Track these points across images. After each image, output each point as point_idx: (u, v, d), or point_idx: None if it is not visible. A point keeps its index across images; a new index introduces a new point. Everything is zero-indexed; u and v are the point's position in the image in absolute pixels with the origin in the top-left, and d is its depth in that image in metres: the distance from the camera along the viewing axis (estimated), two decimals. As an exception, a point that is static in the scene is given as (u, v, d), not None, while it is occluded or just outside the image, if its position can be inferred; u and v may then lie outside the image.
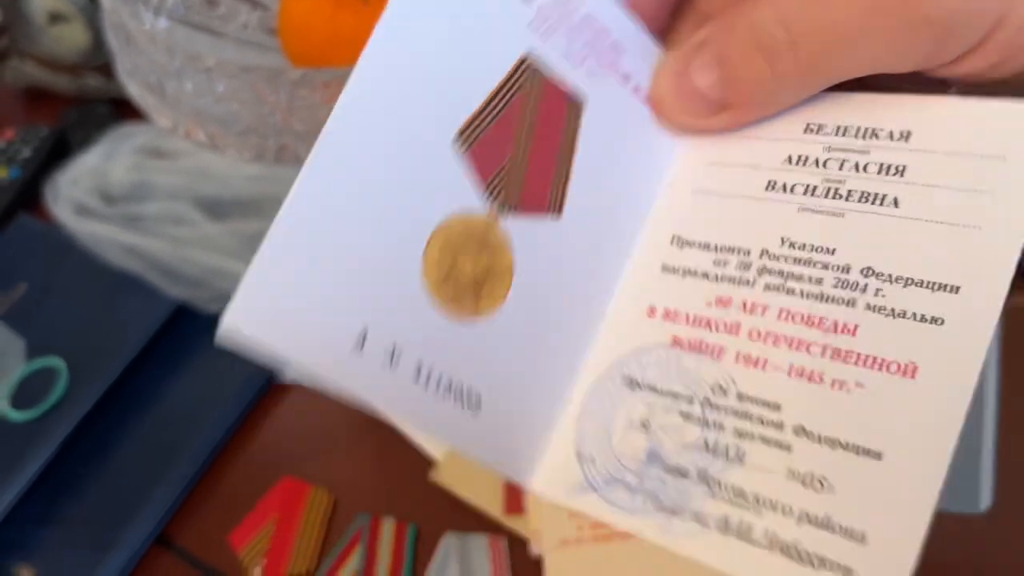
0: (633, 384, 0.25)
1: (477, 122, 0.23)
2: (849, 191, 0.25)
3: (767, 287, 0.25)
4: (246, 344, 0.17)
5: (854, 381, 0.23)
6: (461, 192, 0.23)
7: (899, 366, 0.23)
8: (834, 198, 0.25)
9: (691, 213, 0.27)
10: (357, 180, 0.21)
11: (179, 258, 0.55)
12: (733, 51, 0.25)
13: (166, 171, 0.60)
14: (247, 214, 0.58)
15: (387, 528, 0.47)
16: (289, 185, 0.63)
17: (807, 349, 0.24)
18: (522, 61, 0.24)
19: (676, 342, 0.25)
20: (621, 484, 0.25)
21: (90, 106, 0.73)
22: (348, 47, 0.46)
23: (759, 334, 0.24)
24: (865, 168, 0.25)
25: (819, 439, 0.23)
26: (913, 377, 0.22)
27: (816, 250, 0.25)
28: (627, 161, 0.27)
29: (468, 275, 0.23)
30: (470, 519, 0.46)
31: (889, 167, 0.25)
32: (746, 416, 0.24)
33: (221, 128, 0.40)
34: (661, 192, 0.27)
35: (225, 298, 0.58)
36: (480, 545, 0.45)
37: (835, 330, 0.24)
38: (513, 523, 0.46)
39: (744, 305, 0.25)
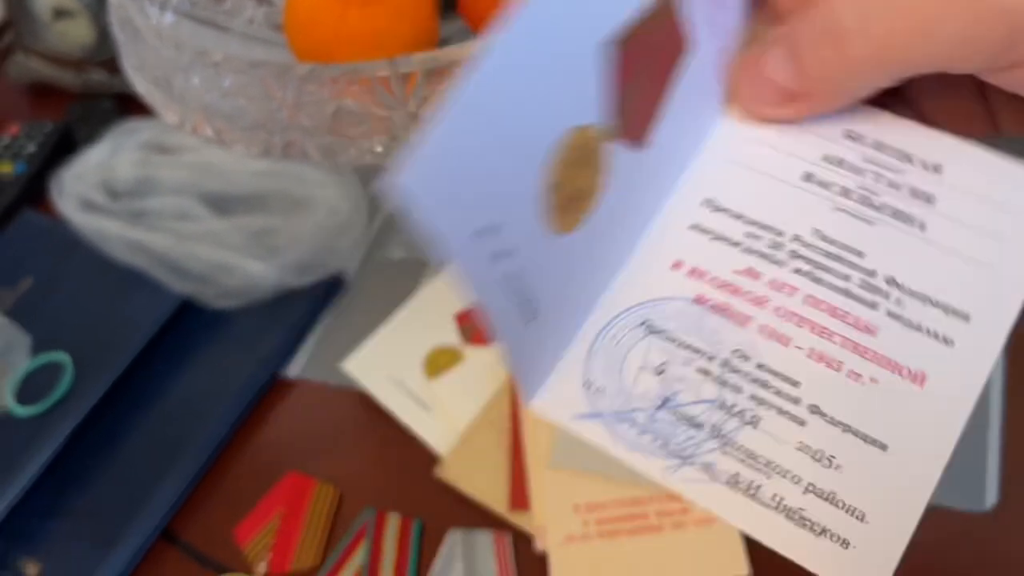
0: (651, 329, 0.26)
1: (622, 38, 0.24)
2: (882, 203, 0.27)
3: (796, 271, 0.26)
4: (398, 196, 0.19)
5: (869, 376, 0.24)
6: (587, 106, 0.23)
7: (910, 372, 0.24)
8: (867, 206, 0.27)
9: (725, 181, 0.28)
10: (515, 81, 0.21)
11: (184, 253, 0.55)
12: (805, 40, 0.26)
13: (171, 166, 0.60)
14: (252, 210, 0.58)
15: (392, 524, 0.47)
16: (294, 182, 0.62)
17: (829, 337, 0.25)
18: None
19: (700, 300, 0.26)
20: (628, 421, 0.25)
21: (94, 102, 0.73)
22: (355, 43, 0.46)
23: (785, 313, 0.25)
24: (898, 187, 0.27)
25: (832, 421, 0.24)
26: (922, 385, 0.24)
27: (846, 249, 0.26)
28: (691, 117, 0.28)
29: (569, 189, 0.23)
30: (475, 515, 0.47)
31: (919, 192, 0.27)
32: (764, 385, 0.25)
33: (228, 123, 0.40)
34: (696, 154, 0.28)
35: (230, 294, 0.58)
36: (485, 541, 0.45)
37: (857, 326, 0.25)
38: (518, 519, 0.46)
39: (773, 282, 0.26)
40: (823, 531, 0.23)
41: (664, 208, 0.28)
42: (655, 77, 0.26)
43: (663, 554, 0.43)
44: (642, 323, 0.26)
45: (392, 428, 0.51)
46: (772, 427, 0.24)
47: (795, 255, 0.26)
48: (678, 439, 0.25)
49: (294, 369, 0.55)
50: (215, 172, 0.59)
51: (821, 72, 0.26)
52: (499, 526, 0.46)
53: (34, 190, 0.67)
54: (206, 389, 0.54)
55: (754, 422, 0.24)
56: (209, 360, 0.55)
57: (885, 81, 0.26)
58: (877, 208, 0.27)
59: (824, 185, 0.27)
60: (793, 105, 0.27)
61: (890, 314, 0.25)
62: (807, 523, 0.23)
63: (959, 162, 0.27)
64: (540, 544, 0.45)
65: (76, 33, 0.74)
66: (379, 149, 0.37)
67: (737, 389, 0.25)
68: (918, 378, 0.24)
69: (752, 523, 0.24)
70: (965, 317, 0.25)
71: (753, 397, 0.25)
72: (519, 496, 0.46)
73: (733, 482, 0.24)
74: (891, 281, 0.25)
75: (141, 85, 0.43)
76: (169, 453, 0.51)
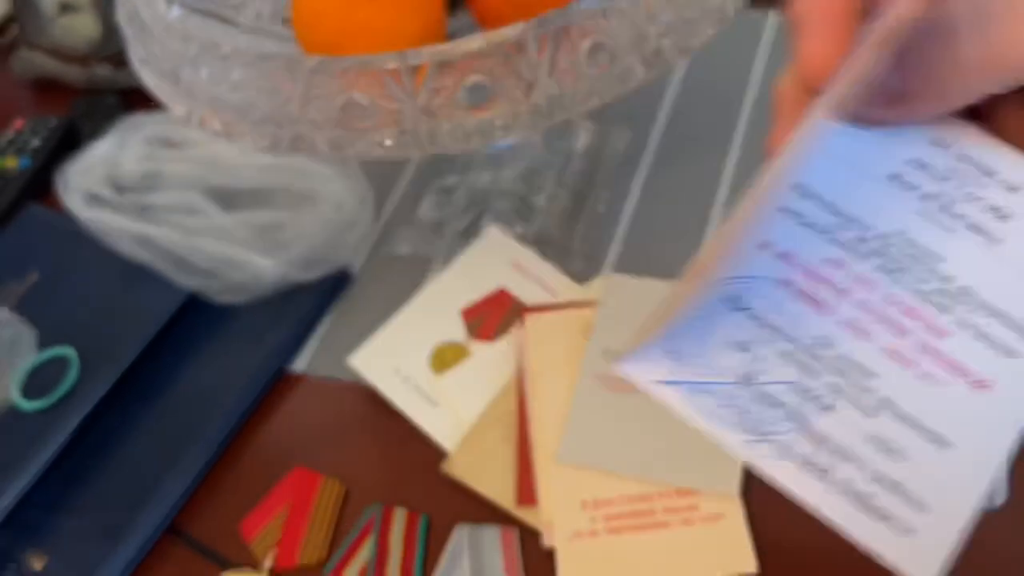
0: (737, 306, 0.27)
1: None
2: (961, 213, 0.27)
3: (878, 268, 0.27)
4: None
5: (939, 377, 0.26)
6: None
7: (977, 378, 0.26)
8: (947, 214, 0.27)
9: (816, 170, 0.29)
10: None
11: (190, 248, 0.55)
12: (917, 39, 0.25)
13: (177, 161, 0.60)
14: (258, 204, 0.58)
15: (399, 519, 0.47)
16: (300, 177, 0.62)
17: (904, 336, 0.26)
18: None
19: (786, 283, 0.27)
20: (708, 392, 0.27)
21: (99, 97, 0.73)
22: (361, 36, 0.45)
23: (866, 307, 0.27)
24: (977, 200, 0.28)
25: (902, 415, 0.25)
26: (986, 390, 0.26)
27: (927, 254, 0.27)
28: None
29: None
30: (482, 510, 0.46)
31: (999, 209, 0.27)
32: (841, 374, 0.26)
33: (236, 116, 0.40)
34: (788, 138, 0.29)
35: (236, 289, 0.58)
36: (492, 537, 0.45)
37: (930, 328, 0.26)
38: (525, 515, 0.46)
39: (857, 276, 0.27)
40: (887, 517, 0.25)
41: (751, 186, 0.29)
42: None
43: (671, 550, 0.43)
44: (728, 298, 0.27)
45: (398, 423, 0.50)
46: (846, 415, 0.25)
47: (876, 252, 0.27)
48: (756, 416, 0.26)
49: (300, 364, 0.55)
50: (221, 167, 0.59)
51: (930, 73, 0.26)
52: (506, 522, 0.46)
53: (39, 185, 0.67)
54: (212, 384, 0.54)
55: (829, 408, 0.26)
56: (215, 355, 0.55)
57: (995, 87, 0.25)
58: (956, 217, 0.27)
59: (909, 187, 0.28)
60: (898, 107, 0.27)
61: (961, 321, 0.26)
62: (873, 509, 0.25)
63: None
64: (547, 540, 0.44)
65: (81, 28, 0.74)
66: (388, 142, 0.37)
67: (816, 374, 0.26)
68: (984, 384, 0.25)
69: (821, 504, 0.26)
70: None
71: (830, 384, 0.26)
72: (526, 492, 0.46)
73: (806, 463, 0.26)
74: (966, 290, 0.26)
75: (148, 79, 0.43)
76: (175, 447, 0.51)
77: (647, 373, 0.27)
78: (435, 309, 0.54)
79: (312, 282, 0.56)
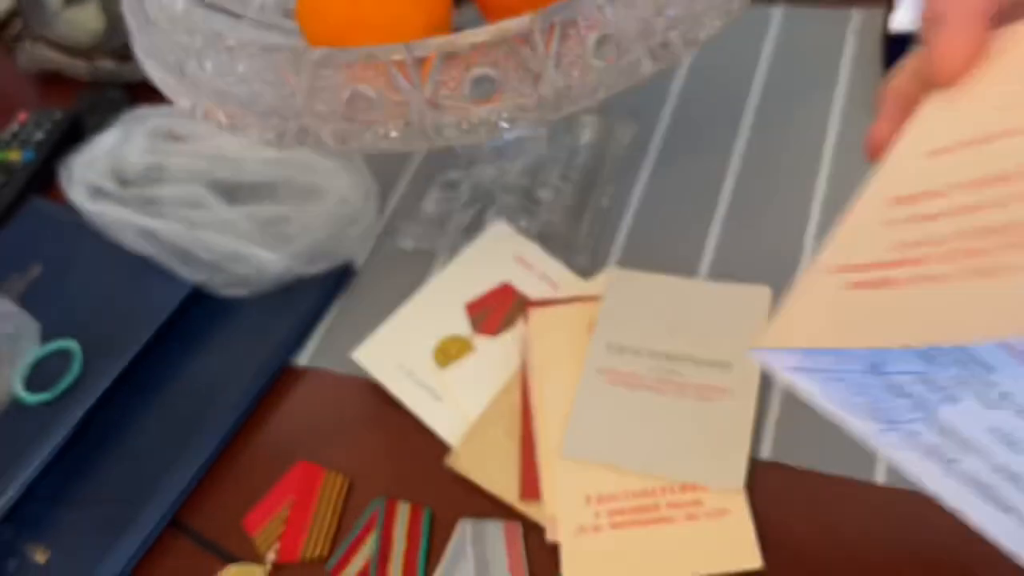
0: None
1: None
2: None
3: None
4: None
5: None
6: None
7: None
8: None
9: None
10: None
11: (194, 241, 0.55)
12: None
13: (181, 154, 0.60)
14: (262, 198, 0.58)
15: (402, 513, 0.47)
16: (304, 171, 0.62)
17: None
18: None
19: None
20: (840, 380, 0.27)
21: (103, 90, 0.73)
22: (366, 29, 0.45)
23: None
24: None
25: (1020, 410, 0.25)
26: None
27: None
28: None
29: None
30: (485, 505, 0.46)
31: None
32: (965, 366, 0.26)
33: (241, 109, 0.40)
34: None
35: (240, 282, 0.58)
36: (496, 531, 0.45)
37: None
38: (529, 510, 0.45)
39: None
40: (1009, 508, 0.25)
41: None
42: None
43: (675, 546, 0.43)
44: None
45: (402, 417, 0.50)
46: (969, 407, 0.25)
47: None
48: (886, 404, 0.26)
49: (304, 358, 0.55)
50: (225, 160, 0.59)
51: None
52: (510, 516, 0.46)
53: (42, 178, 0.67)
54: (215, 377, 0.54)
55: (954, 400, 0.26)
56: (219, 349, 0.55)
57: None
58: None
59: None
60: (935, 27, 0.27)
61: None
62: (995, 499, 0.25)
63: None
64: (551, 535, 0.44)
65: (85, 21, 0.74)
66: (393, 134, 0.37)
67: (942, 366, 0.26)
68: None
69: (946, 492, 0.26)
70: None
71: (955, 376, 0.26)
72: (530, 486, 0.46)
73: (929, 452, 0.26)
74: None
75: (153, 71, 0.43)
76: (178, 441, 0.51)
77: (781, 360, 0.27)
78: (439, 303, 0.54)
79: (316, 276, 0.56)
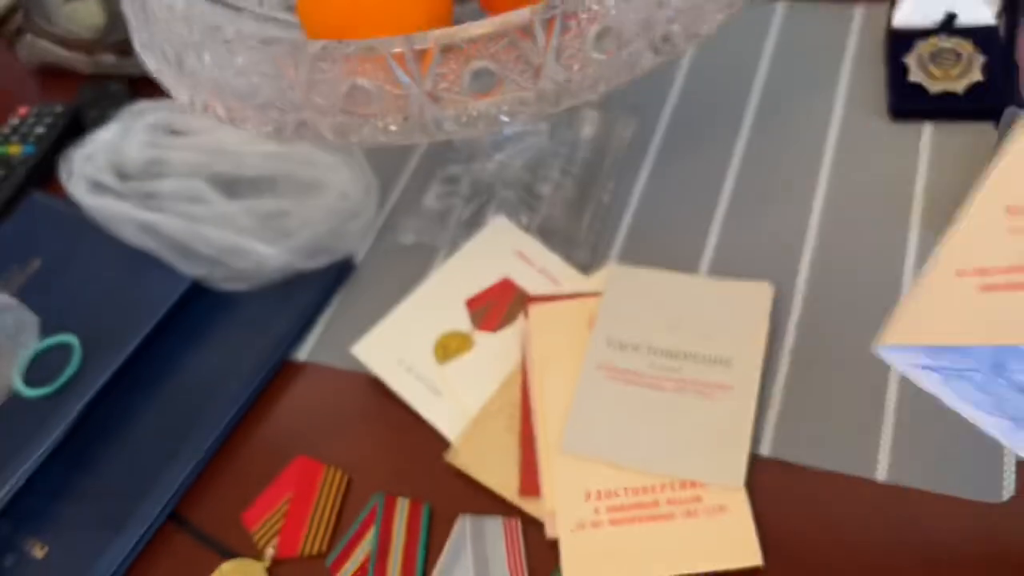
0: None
1: None
2: None
3: None
4: None
5: None
6: None
7: None
8: None
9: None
10: None
11: (194, 236, 0.55)
12: None
13: (181, 148, 0.60)
14: (262, 192, 0.58)
15: (401, 508, 0.47)
16: (304, 165, 0.62)
17: None
18: None
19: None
20: (966, 378, 0.28)
21: (104, 84, 0.73)
22: (366, 22, 0.45)
23: None
24: None
25: None
26: None
27: None
28: None
29: None
30: (485, 501, 0.46)
31: None
32: None
33: (239, 102, 0.39)
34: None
35: (240, 277, 0.58)
36: (495, 527, 0.45)
37: None
38: (528, 505, 0.45)
39: None
40: None
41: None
42: None
43: (675, 543, 0.43)
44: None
45: (402, 413, 0.50)
46: None
47: None
48: (1012, 403, 0.27)
49: (303, 353, 0.55)
50: (226, 154, 0.59)
51: None
52: (509, 512, 0.46)
53: (43, 172, 0.67)
54: (215, 372, 0.54)
55: None
56: (218, 343, 0.55)
57: None
58: None
59: None
60: None
61: None
62: None
63: None
64: (550, 531, 0.44)
65: (86, 15, 0.74)
66: (393, 128, 0.37)
67: None
68: None
69: None
70: None
71: None
72: (529, 482, 0.46)
73: None
74: None
75: (151, 63, 0.43)
76: (177, 436, 0.51)
77: (907, 358, 0.29)
78: (439, 298, 0.53)
79: (316, 271, 0.56)
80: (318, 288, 0.56)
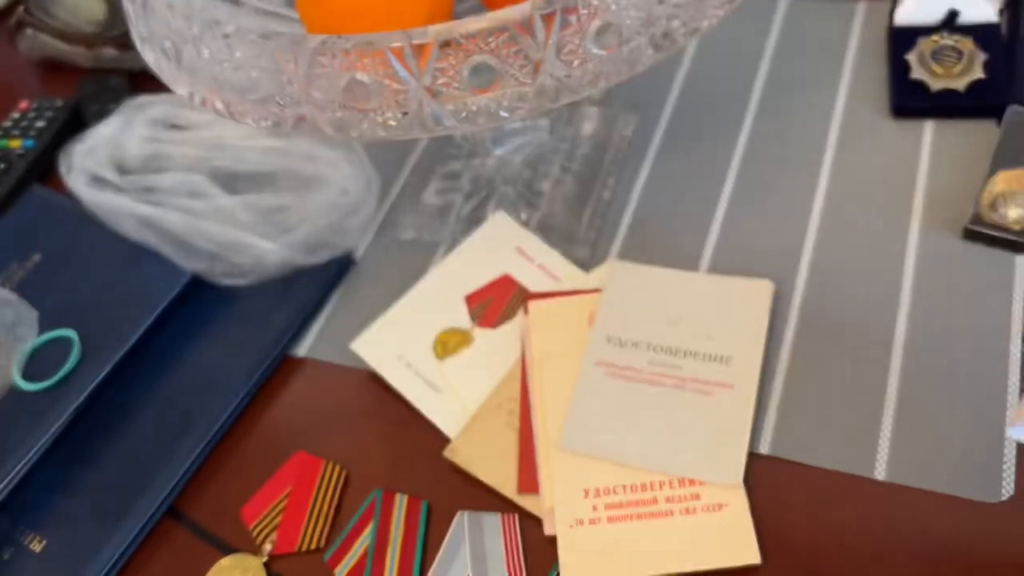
0: None
1: None
2: None
3: None
4: None
5: None
6: None
7: None
8: None
9: None
10: None
11: (193, 230, 0.55)
12: None
13: (181, 143, 0.59)
14: (262, 187, 0.57)
15: (400, 504, 0.47)
16: (304, 160, 0.62)
17: None
18: None
19: None
20: None
21: (105, 78, 0.73)
22: (366, 17, 0.45)
23: None
24: None
25: None
26: None
27: None
28: None
29: None
30: (483, 497, 0.46)
31: None
32: None
33: (238, 96, 0.39)
34: None
35: (239, 272, 0.58)
36: (493, 523, 0.45)
37: None
38: (526, 502, 0.45)
39: None
40: None
41: None
42: None
43: (673, 540, 0.43)
44: None
45: (401, 409, 0.50)
46: None
47: None
48: None
49: (303, 348, 0.55)
50: (226, 149, 0.59)
51: None
52: (507, 508, 0.46)
53: (43, 166, 0.67)
54: (214, 367, 0.53)
55: None
56: (217, 338, 0.55)
57: None
58: None
59: None
60: None
61: None
62: None
63: None
64: (549, 527, 0.44)
65: (86, 9, 0.74)
66: (392, 123, 0.37)
67: None
68: None
69: None
70: None
71: None
72: (528, 479, 0.46)
73: None
74: None
75: (150, 56, 0.43)
76: (176, 431, 0.51)
77: None
78: (439, 295, 0.53)
79: (316, 266, 0.56)
80: (318, 284, 0.56)
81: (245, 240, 0.55)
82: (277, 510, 0.47)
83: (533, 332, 0.50)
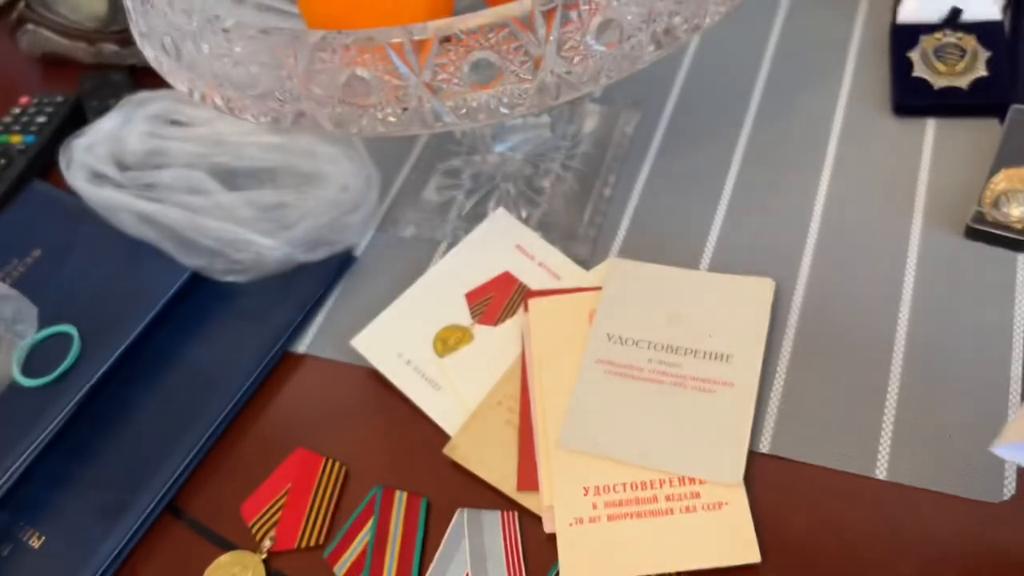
0: None
1: None
2: None
3: None
4: None
5: None
6: None
7: None
8: None
9: None
10: None
11: (194, 227, 0.54)
12: None
13: (182, 139, 0.59)
14: (262, 184, 0.57)
15: (399, 502, 0.46)
16: (305, 157, 0.62)
17: None
18: None
19: None
20: None
21: (106, 74, 0.73)
22: (366, 13, 0.45)
23: None
24: None
25: None
26: None
27: None
28: None
29: None
30: (483, 495, 0.46)
31: None
32: None
33: (238, 92, 0.39)
34: None
35: (239, 268, 0.58)
36: (492, 521, 0.45)
37: None
38: (526, 500, 0.45)
39: None
40: None
41: None
42: None
43: (672, 539, 0.43)
44: None
45: (400, 406, 0.50)
46: None
47: None
48: None
49: (303, 345, 0.55)
50: (226, 145, 0.58)
51: None
52: (507, 506, 0.45)
53: (43, 162, 0.67)
54: (214, 363, 0.53)
55: None
56: (217, 334, 0.55)
57: None
58: None
59: None
60: None
61: None
62: None
63: None
64: (548, 525, 0.44)
65: (87, 4, 0.73)
66: (392, 119, 0.37)
67: None
68: None
69: None
70: None
71: None
72: (527, 476, 0.46)
73: None
74: None
75: (149, 52, 0.43)
76: (176, 427, 0.51)
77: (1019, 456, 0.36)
78: (439, 292, 0.53)
79: (316, 263, 0.56)
80: (318, 280, 0.56)
81: (245, 236, 0.54)
82: (276, 507, 0.47)
83: (533, 330, 0.50)
